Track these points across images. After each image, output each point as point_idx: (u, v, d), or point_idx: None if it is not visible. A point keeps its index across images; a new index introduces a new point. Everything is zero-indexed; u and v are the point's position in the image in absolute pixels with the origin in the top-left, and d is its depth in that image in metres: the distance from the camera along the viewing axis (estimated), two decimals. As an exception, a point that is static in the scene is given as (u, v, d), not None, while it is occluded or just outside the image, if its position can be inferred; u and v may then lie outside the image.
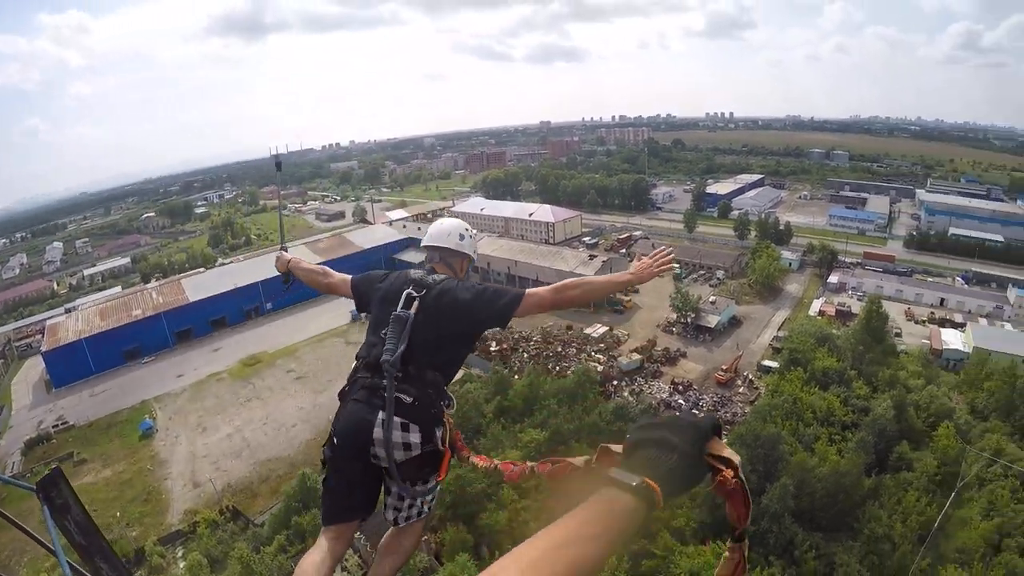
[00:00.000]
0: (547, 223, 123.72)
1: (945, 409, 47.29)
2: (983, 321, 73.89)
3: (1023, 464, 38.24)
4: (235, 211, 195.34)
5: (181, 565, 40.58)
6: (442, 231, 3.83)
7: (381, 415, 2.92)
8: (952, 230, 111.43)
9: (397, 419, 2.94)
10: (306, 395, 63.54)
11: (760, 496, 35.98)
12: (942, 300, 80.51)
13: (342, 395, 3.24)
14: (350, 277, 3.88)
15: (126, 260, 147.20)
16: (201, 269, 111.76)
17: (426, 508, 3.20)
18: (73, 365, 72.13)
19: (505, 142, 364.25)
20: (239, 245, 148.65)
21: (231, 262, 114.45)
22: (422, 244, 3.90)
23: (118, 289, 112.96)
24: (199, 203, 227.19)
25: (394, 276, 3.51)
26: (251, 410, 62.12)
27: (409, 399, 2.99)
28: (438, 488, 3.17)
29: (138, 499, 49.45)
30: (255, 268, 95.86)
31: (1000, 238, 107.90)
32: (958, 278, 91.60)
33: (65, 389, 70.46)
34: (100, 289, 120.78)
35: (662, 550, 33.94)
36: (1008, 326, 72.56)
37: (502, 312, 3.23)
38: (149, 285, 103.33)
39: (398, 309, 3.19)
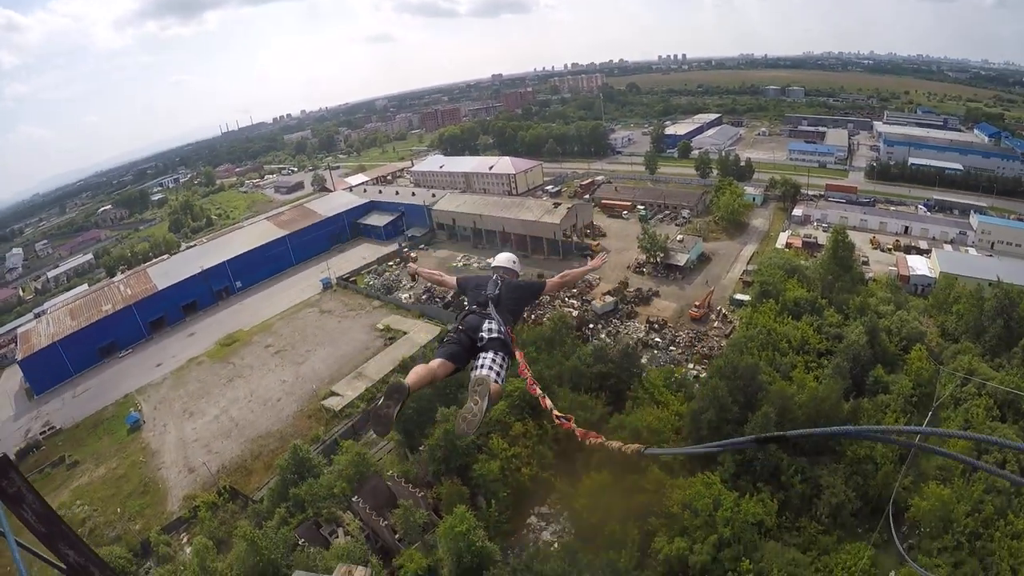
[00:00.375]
0: (508, 175, 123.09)
1: (916, 333, 48.69)
2: (948, 247, 75.74)
3: (996, 382, 39.35)
4: (192, 193, 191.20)
5: (188, 551, 40.79)
6: (503, 260, 6.39)
7: (486, 320, 5.32)
8: (911, 160, 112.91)
9: (495, 320, 5.36)
10: (287, 368, 63.22)
11: (742, 425, 36.89)
12: (906, 228, 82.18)
13: (461, 315, 5.55)
14: (455, 277, 6.50)
15: (88, 256, 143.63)
16: (165, 256, 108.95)
17: (503, 374, 5.08)
18: (51, 369, 70.70)
19: (458, 98, 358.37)
20: (200, 227, 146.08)
21: (195, 245, 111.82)
22: (492, 265, 6.40)
23: (85, 287, 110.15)
24: (155, 190, 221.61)
25: (482, 276, 6.05)
26: (234, 389, 61.72)
27: (499, 318, 5.39)
28: (509, 363, 5.29)
29: (136, 492, 49.26)
30: (220, 248, 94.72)
31: (959, 166, 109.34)
32: (920, 206, 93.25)
33: (47, 394, 69.22)
34: (66, 289, 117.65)
35: (654, 484, 34.80)
36: (972, 251, 74.68)
37: (538, 290, 6.20)
38: (115, 278, 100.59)
39: (492, 278, 5.88)
